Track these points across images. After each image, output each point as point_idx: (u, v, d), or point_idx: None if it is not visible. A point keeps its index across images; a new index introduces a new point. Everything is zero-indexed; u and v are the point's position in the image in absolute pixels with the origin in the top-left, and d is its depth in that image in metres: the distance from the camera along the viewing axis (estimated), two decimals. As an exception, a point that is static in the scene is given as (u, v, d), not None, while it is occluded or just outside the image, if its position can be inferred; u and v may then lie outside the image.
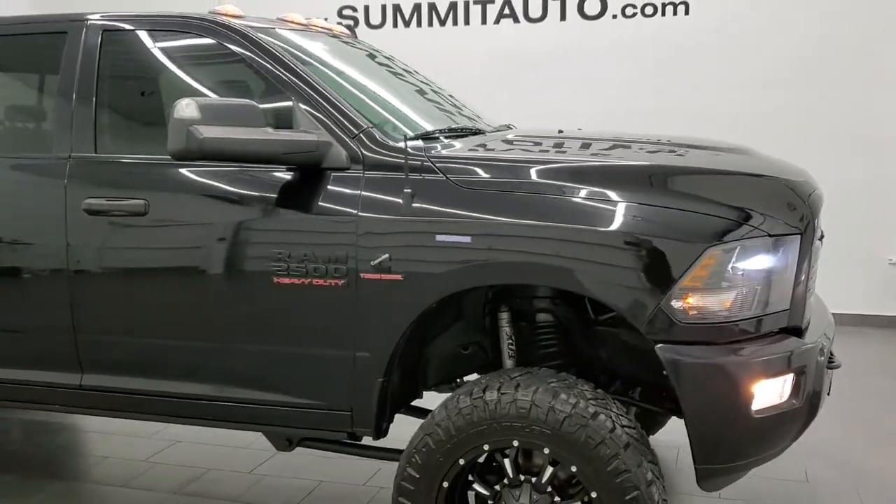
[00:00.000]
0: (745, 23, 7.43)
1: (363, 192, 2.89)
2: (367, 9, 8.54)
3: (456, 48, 8.10)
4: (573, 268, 2.68)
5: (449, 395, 2.92)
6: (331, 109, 3.00)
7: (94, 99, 3.25)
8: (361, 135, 2.97)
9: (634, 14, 7.80)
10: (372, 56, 3.98)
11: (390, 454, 3.39)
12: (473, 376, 3.33)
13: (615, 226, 2.64)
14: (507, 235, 2.73)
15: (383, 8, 8.48)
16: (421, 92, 3.86)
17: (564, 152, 3.24)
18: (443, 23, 8.32)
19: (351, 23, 8.54)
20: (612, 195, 2.69)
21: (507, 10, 8.14)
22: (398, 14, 8.44)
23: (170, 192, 3.12)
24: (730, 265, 2.64)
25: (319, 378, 3.03)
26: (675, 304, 2.62)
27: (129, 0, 6.97)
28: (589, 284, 2.68)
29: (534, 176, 2.80)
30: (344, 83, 3.28)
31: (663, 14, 7.73)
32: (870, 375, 5.61)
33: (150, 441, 4.78)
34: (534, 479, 2.80)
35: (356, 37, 4.27)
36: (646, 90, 7.57)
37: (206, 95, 3.26)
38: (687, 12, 7.66)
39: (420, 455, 2.81)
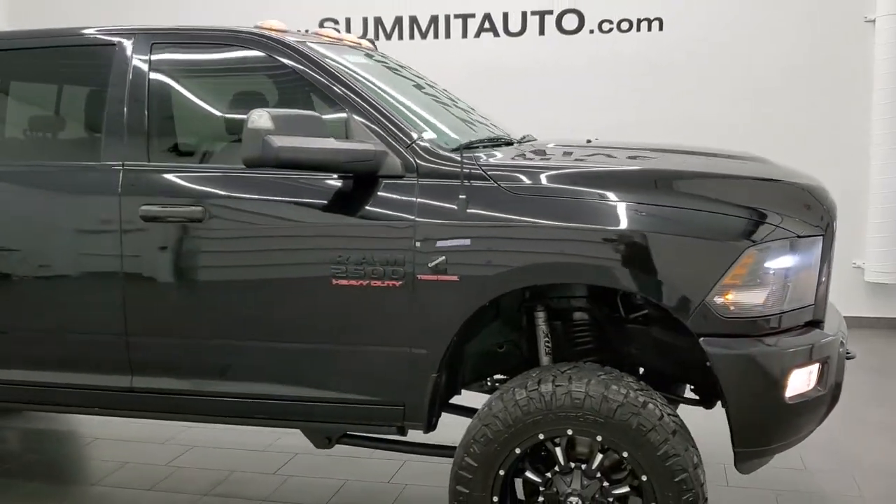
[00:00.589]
0: (715, 38, 7.80)
1: (419, 199, 3.06)
2: (348, 21, 8.69)
3: (437, 61, 8.23)
4: (623, 268, 2.89)
5: (498, 390, 3.08)
6: (384, 121, 3.17)
7: (145, 110, 3.36)
8: (414, 145, 3.14)
9: (611, 29, 8.11)
10: (399, 68, 4.15)
11: (426, 449, 3.57)
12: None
13: (664, 228, 2.86)
14: (559, 239, 2.93)
15: (365, 21, 8.65)
16: (448, 103, 4.04)
17: (606, 160, 3.46)
18: (424, 36, 8.52)
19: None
20: (659, 200, 2.91)
21: (487, 25, 8.38)
22: (380, 27, 8.62)
23: (228, 200, 3.23)
24: (764, 264, 2.88)
25: (374, 375, 3.18)
26: (717, 300, 2.85)
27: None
28: (638, 283, 2.90)
29: (583, 183, 3.01)
30: (389, 96, 3.44)
31: (638, 29, 8.05)
32: (848, 374, 5.92)
33: (166, 447, 4.85)
34: (583, 466, 2.98)
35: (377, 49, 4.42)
36: (623, 102, 7.86)
37: (255, 106, 3.37)
38: (661, 28, 8.00)
39: (478, 445, 2.98)
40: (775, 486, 4.17)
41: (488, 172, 3.07)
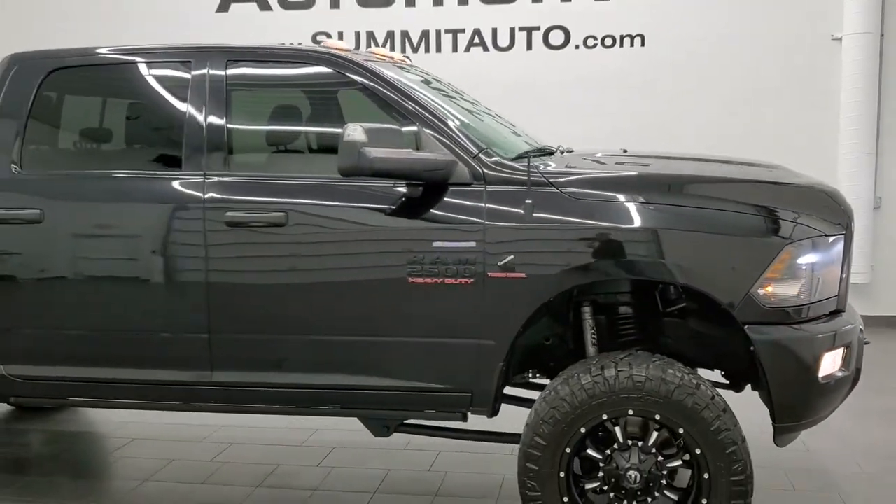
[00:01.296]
0: (693, 55, 8.27)
1: (487, 204, 3.38)
2: (341, 35, 8.95)
3: (428, 74, 8.62)
4: (678, 264, 3.24)
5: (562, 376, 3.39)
6: (452, 134, 3.48)
7: (224, 123, 3.61)
8: (480, 155, 3.46)
9: (595, 45, 8.54)
10: (435, 81, 4.44)
11: (479, 436, 3.89)
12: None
13: (715, 229, 3.22)
14: (619, 239, 3.28)
15: (357, 34, 8.94)
16: (490, 115, 4.36)
17: (653, 167, 3.81)
18: (415, 50, 8.83)
19: (325, 49, 8.93)
20: (709, 203, 3.27)
21: (476, 40, 8.73)
22: (372, 41, 8.91)
23: (308, 206, 3.50)
24: (798, 260, 3.26)
25: (446, 364, 3.48)
26: (760, 291, 3.22)
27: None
28: (692, 278, 3.25)
29: (639, 188, 3.36)
30: (450, 109, 3.75)
31: (621, 45, 8.50)
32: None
33: (205, 445, 5.06)
34: (639, 443, 3.32)
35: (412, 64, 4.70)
36: (608, 114, 8.27)
37: (327, 118, 3.67)
38: (643, 44, 8.45)
39: (547, 425, 3.30)
40: (784, 466, 4.55)
41: (550, 179, 3.40)
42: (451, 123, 3.53)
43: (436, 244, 3.39)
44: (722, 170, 3.80)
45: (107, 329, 3.69)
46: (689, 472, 3.34)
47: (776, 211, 3.29)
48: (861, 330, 3.53)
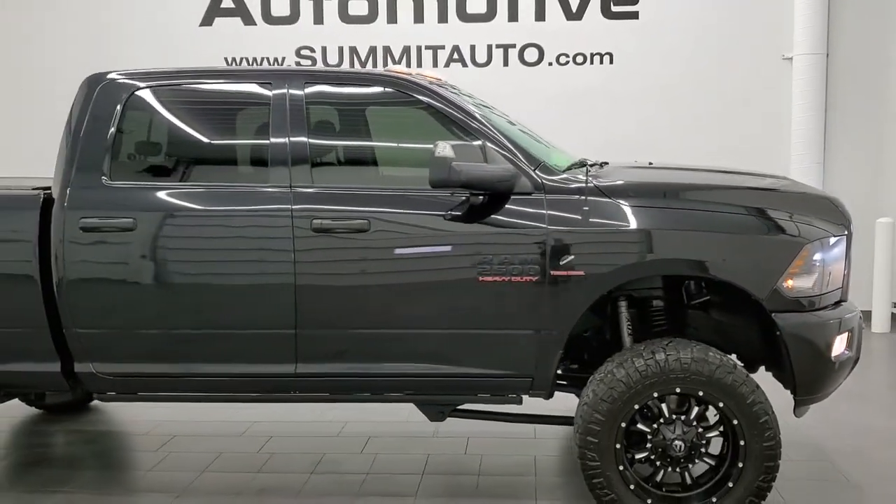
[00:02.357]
0: (657, 72, 8.95)
1: (548, 211, 3.86)
2: (324, 49, 9.35)
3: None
4: (717, 262, 3.79)
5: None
6: (514, 149, 3.96)
7: (306, 142, 4.01)
8: (537, 169, 3.95)
9: (567, 62, 9.13)
10: (470, 96, 4.87)
11: (531, 419, 4.40)
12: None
13: (749, 230, 3.78)
14: (665, 241, 3.81)
15: (340, 49, 9.34)
16: (527, 130, 4.83)
17: (700, 177, 4.35)
18: (397, 64, 9.25)
19: (309, 62, 9.31)
20: (743, 209, 3.83)
21: (455, 56, 9.23)
22: (354, 55, 9.31)
23: (388, 213, 3.92)
24: (813, 257, 3.85)
25: (511, 353, 3.94)
26: (784, 284, 3.79)
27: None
28: (729, 273, 3.80)
29: (680, 195, 3.90)
30: (508, 126, 4.22)
31: (591, 63, 9.11)
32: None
33: (247, 438, 5.40)
34: (682, 417, 3.85)
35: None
36: (577, 127, 8.79)
37: (396, 134, 4.11)
38: (611, 62, 9.08)
39: (606, 404, 3.79)
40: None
41: (602, 189, 3.91)
42: (513, 140, 4.00)
43: (503, 248, 3.84)
44: (749, 181, 4.37)
45: (197, 328, 4.03)
46: (720, 440, 3.87)
47: (796, 217, 3.87)
48: (860, 317, 4.13)
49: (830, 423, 5.44)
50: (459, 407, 4.34)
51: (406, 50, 9.26)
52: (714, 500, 3.83)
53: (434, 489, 4.55)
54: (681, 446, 3.83)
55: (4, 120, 9.46)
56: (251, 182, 4.07)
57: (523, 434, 5.36)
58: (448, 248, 3.91)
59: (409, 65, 9.24)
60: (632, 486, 3.84)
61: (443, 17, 9.19)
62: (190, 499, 4.45)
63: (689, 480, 3.92)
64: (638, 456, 3.89)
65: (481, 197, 3.89)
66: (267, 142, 4.03)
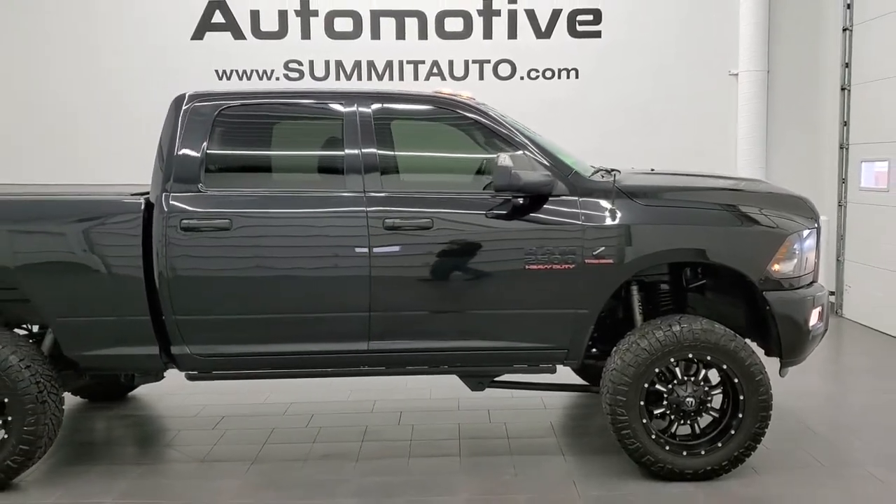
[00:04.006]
0: (617, 85, 9.89)
1: (582, 210, 4.67)
2: (311, 63, 9.98)
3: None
4: (721, 251, 4.65)
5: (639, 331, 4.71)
6: (551, 159, 4.75)
7: (376, 152, 4.71)
8: (571, 175, 4.75)
9: (537, 77, 9.99)
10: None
11: (557, 388, 5.20)
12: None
13: (747, 225, 4.65)
14: (679, 234, 4.65)
15: (326, 63, 9.99)
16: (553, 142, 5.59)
17: (701, 181, 5.20)
18: (380, 77, 9.98)
19: (297, 75, 9.94)
20: (741, 208, 4.70)
21: (435, 70, 9.98)
22: (340, 69, 9.98)
23: (447, 213, 4.66)
24: (793, 246, 4.75)
25: (551, 328, 4.72)
26: (772, 268, 4.68)
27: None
28: (730, 260, 4.66)
29: (690, 196, 4.75)
30: (541, 139, 4.99)
31: (559, 77, 9.99)
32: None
33: (291, 416, 6.04)
34: (692, 378, 4.70)
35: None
36: (546, 134, 9.60)
37: (449, 146, 4.86)
38: (577, 76, 9.97)
39: (632, 368, 4.60)
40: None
41: (624, 191, 4.73)
42: (549, 151, 4.79)
43: (547, 242, 4.62)
44: (740, 185, 5.26)
45: (282, 313, 4.68)
46: (722, 397, 4.73)
47: (780, 213, 4.77)
48: (828, 295, 5.06)
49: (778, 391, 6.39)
50: (496, 379, 5.09)
51: (389, 64, 9.98)
52: (720, 444, 4.68)
53: (473, 449, 5.29)
54: (691, 402, 4.66)
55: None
56: (329, 188, 4.74)
57: (534, 406, 6.16)
58: (500, 243, 4.66)
59: (391, 79, 9.97)
60: (653, 436, 4.66)
61: (423, 35, 9.93)
62: (263, 465, 5.09)
63: (697, 431, 4.75)
64: (656, 411, 4.71)
65: (521, 199, 4.66)
66: (342, 153, 4.72)
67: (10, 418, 4.55)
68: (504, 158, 4.39)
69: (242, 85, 9.83)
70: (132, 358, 4.71)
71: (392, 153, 4.86)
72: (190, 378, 4.85)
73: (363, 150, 4.70)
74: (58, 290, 4.55)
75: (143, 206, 4.62)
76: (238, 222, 4.60)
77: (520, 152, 4.72)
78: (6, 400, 4.52)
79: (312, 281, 4.66)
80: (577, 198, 4.70)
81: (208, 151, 4.70)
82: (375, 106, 4.81)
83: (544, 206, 4.69)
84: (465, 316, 4.73)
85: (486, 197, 4.69)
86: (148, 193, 4.72)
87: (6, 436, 4.56)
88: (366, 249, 4.61)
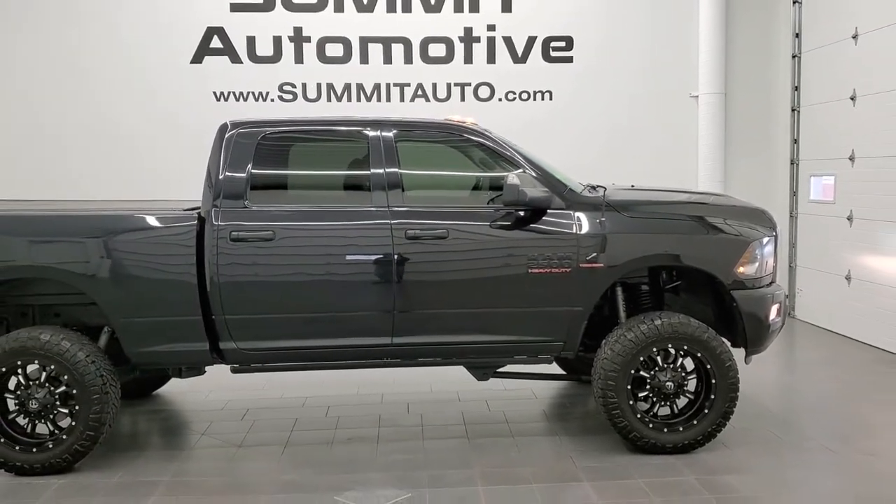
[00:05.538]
0: (587, 107, 10.73)
1: (577, 222, 5.43)
2: (304, 86, 10.66)
3: (384, 120, 10.49)
4: (695, 255, 5.44)
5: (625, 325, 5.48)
6: (548, 178, 5.51)
7: (398, 172, 5.43)
8: (566, 191, 5.52)
9: (514, 98, 10.78)
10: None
11: (549, 378, 5.97)
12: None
13: (716, 233, 5.46)
14: (659, 241, 5.44)
15: (318, 85, 10.67)
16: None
17: (677, 196, 6.00)
18: (369, 99, 10.69)
19: (290, 97, 10.61)
20: (710, 219, 5.51)
21: (420, 92, 10.72)
22: (331, 91, 10.67)
23: (461, 225, 5.38)
24: (755, 251, 5.57)
25: (550, 324, 5.45)
26: (737, 270, 5.49)
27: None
28: (701, 263, 5.45)
29: (668, 209, 5.55)
30: (539, 159, 5.74)
31: (535, 99, 10.80)
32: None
33: (309, 408, 6.68)
34: (670, 365, 5.48)
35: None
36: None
37: (465, 167, 5.60)
38: (551, 98, 10.80)
39: (620, 357, 5.36)
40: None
41: (612, 204, 5.51)
42: (547, 170, 5.56)
43: (547, 249, 5.37)
44: (709, 199, 6.08)
45: (318, 312, 5.35)
46: (695, 381, 5.52)
47: (744, 223, 5.59)
48: (786, 294, 5.89)
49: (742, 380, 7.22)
50: (499, 369, 5.83)
51: (377, 87, 10.70)
52: (695, 422, 5.46)
53: (480, 432, 6.01)
54: (671, 386, 5.44)
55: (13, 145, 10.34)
56: (358, 203, 5.44)
57: (526, 396, 6.91)
58: (506, 250, 5.40)
59: (378, 100, 10.69)
60: (638, 416, 5.42)
61: (408, 59, 10.67)
62: (295, 447, 5.75)
63: (676, 410, 5.53)
64: (641, 394, 5.48)
65: (522, 212, 5.41)
66: (368, 172, 5.43)
67: (77, 407, 5.14)
68: (512, 177, 5.14)
69: (239, 106, 10.45)
70: (185, 353, 5.35)
71: (411, 172, 5.56)
72: (234, 371, 5.50)
73: (387, 170, 5.42)
74: (122, 293, 5.19)
75: (196, 221, 5.26)
76: (280, 234, 5.27)
77: (521, 171, 5.46)
78: (74, 391, 5.12)
79: (344, 284, 5.34)
80: (572, 211, 5.46)
81: (252, 171, 5.37)
82: (396, 131, 5.53)
83: (544, 217, 5.43)
84: (476, 313, 5.45)
85: (492, 210, 5.43)
86: (198, 209, 5.36)
87: (74, 423, 5.16)
88: (391, 257, 5.31)
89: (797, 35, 10.33)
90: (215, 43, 10.53)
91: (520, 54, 10.76)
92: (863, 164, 8.84)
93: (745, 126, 10.90)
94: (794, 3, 10.34)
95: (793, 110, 10.41)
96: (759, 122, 10.93)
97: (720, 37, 10.57)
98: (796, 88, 10.38)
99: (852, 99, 9.02)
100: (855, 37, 8.98)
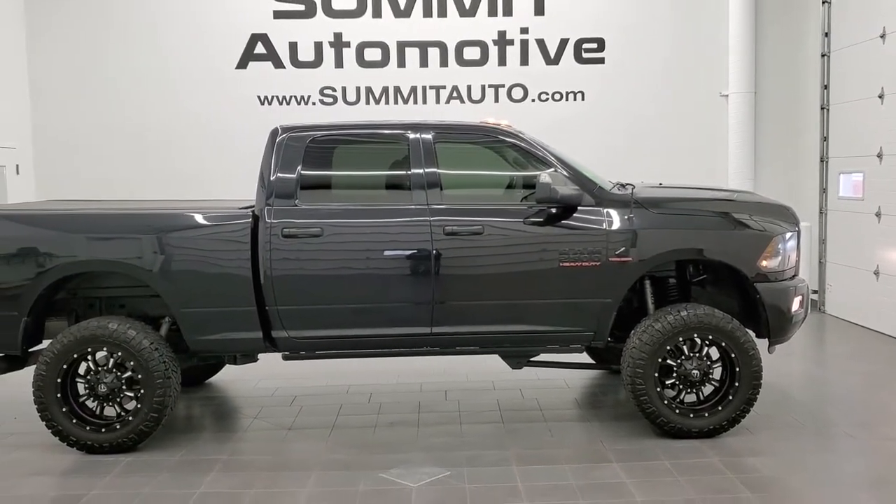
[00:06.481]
0: (619, 107, 11.02)
1: (606, 218, 5.74)
2: (344, 89, 11.06)
3: (419, 121, 10.85)
4: (720, 249, 5.73)
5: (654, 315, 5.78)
6: (579, 176, 5.83)
7: (437, 172, 5.78)
8: (596, 189, 5.83)
9: (547, 99, 11.09)
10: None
11: (581, 367, 6.27)
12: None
13: (741, 228, 5.74)
14: (686, 237, 5.73)
15: (357, 89, 11.06)
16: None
17: (703, 193, 6.28)
18: (406, 101, 11.06)
19: (331, 100, 11.02)
20: (736, 214, 5.79)
21: (455, 94, 11.07)
22: (370, 94, 11.06)
23: (495, 221, 5.71)
24: (778, 245, 5.84)
25: (581, 315, 5.77)
26: (761, 263, 5.76)
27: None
28: (727, 257, 5.73)
29: (694, 205, 5.85)
30: (571, 158, 6.06)
31: (567, 99, 11.10)
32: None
33: (353, 395, 7.06)
34: (696, 354, 5.77)
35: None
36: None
37: (497, 167, 5.94)
38: (583, 98, 11.09)
39: (648, 346, 5.66)
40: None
41: (639, 201, 5.81)
42: (578, 169, 5.87)
43: (578, 244, 5.69)
44: (734, 196, 6.35)
45: (363, 303, 5.72)
46: (721, 370, 5.80)
47: (767, 219, 5.86)
48: (808, 287, 6.16)
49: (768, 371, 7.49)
50: (532, 358, 6.15)
51: (413, 90, 11.07)
52: (720, 408, 5.75)
53: (513, 418, 6.34)
54: (696, 374, 5.73)
55: (67, 148, 10.88)
56: (399, 201, 5.80)
57: (558, 385, 7.23)
58: (539, 245, 5.72)
59: (415, 102, 11.06)
60: (665, 402, 5.72)
61: (444, 63, 11.03)
62: (341, 430, 6.13)
63: (701, 397, 5.82)
64: (667, 382, 5.78)
65: (554, 209, 5.72)
66: (409, 172, 5.79)
67: (142, 391, 5.56)
68: (544, 176, 5.47)
69: (282, 109, 10.89)
70: (240, 341, 5.75)
71: (449, 172, 5.91)
72: (285, 358, 5.90)
73: (426, 170, 5.77)
74: (183, 286, 5.60)
75: (250, 218, 5.66)
76: (328, 230, 5.65)
77: (553, 170, 5.78)
78: (139, 376, 5.54)
79: (386, 277, 5.71)
80: (601, 208, 5.77)
81: (302, 172, 5.75)
82: (435, 134, 5.88)
83: (574, 214, 5.75)
84: (510, 305, 5.78)
85: (525, 207, 5.76)
86: (252, 207, 5.75)
87: (139, 405, 5.58)
88: (430, 252, 5.66)
89: (826, 34, 10.51)
90: (259, 49, 10.97)
91: (552, 56, 11.06)
92: (891, 161, 9.02)
93: (775, 124, 11.10)
94: (823, 2, 10.52)
95: (822, 108, 10.60)
96: (788, 120, 11.13)
97: (750, 36, 10.79)
98: (825, 87, 10.55)
99: (880, 97, 9.20)
100: (883, 36, 9.17)
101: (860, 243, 9.68)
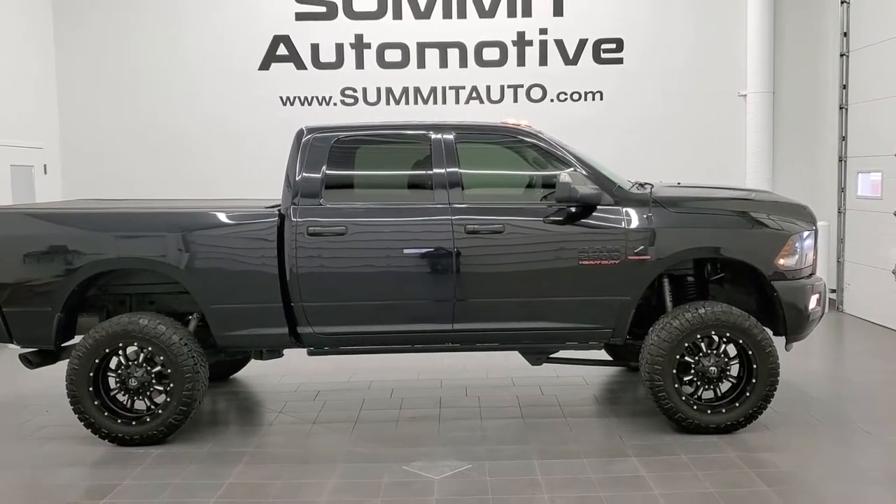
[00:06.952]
0: (639, 106, 11.08)
1: (625, 217, 5.84)
2: (364, 90, 11.20)
3: (438, 121, 10.97)
4: (738, 248, 5.81)
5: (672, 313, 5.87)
6: (598, 176, 5.93)
7: (458, 171, 5.90)
8: (615, 188, 5.93)
9: (566, 99, 11.19)
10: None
11: (599, 363, 6.36)
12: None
13: (758, 227, 5.82)
14: (704, 235, 5.82)
15: (378, 90, 11.20)
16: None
17: (720, 192, 6.37)
18: (425, 101, 11.19)
19: (352, 101, 11.16)
20: (754, 214, 5.87)
21: (474, 94, 11.19)
22: (390, 94, 11.19)
23: (516, 220, 5.83)
24: (795, 244, 5.91)
25: (600, 312, 5.87)
26: (778, 262, 5.84)
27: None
28: (745, 255, 5.81)
29: (712, 204, 5.93)
30: (590, 158, 6.16)
31: (585, 99, 11.19)
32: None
33: (374, 390, 7.20)
34: (714, 351, 5.85)
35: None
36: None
37: (518, 166, 6.05)
38: (602, 98, 11.17)
39: (666, 343, 5.75)
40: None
41: (657, 201, 5.91)
42: (597, 169, 5.98)
43: (597, 243, 5.79)
44: (752, 195, 6.43)
45: (386, 300, 5.84)
46: (737, 366, 5.89)
47: (785, 218, 5.94)
48: (825, 285, 6.23)
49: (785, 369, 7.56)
50: (552, 355, 6.25)
51: (433, 90, 11.19)
52: (737, 404, 5.83)
53: (533, 414, 6.45)
54: (714, 371, 5.82)
55: (93, 149, 11.09)
56: (421, 200, 5.92)
57: (577, 383, 7.33)
58: (558, 244, 5.83)
59: (435, 102, 11.18)
60: (683, 398, 5.82)
61: (463, 63, 11.15)
62: (364, 424, 6.26)
63: (719, 393, 5.91)
64: (685, 378, 5.87)
65: (574, 208, 5.82)
66: (431, 172, 5.91)
67: (171, 385, 5.71)
68: (564, 176, 5.58)
69: (304, 110, 11.04)
70: (267, 337, 5.90)
71: (470, 172, 6.02)
72: (310, 353, 6.04)
73: (448, 170, 5.89)
74: (213, 282, 5.75)
75: (276, 217, 5.80)
76: (352, 229, 5.78)
77: (572, 170, 5.89)
78: (169, 370, 5.70)
79: (408, 274, 5.83)
80: (620, 207, 5.87)
81: (326, 172, 5.89)
82: (456, 134, 6.00)
83: (594, 213, 5.85)
84: (530, 302, 5.89)
85: (545, 206, 5.87)
86: (278, 206, 5.89)
87: (168, 399, 5.74)
88: (451, 250, 5.78)
89: (845, 34, 10.54)
90: (281, 51, 11.13)
91: (571, 56, 11.15)
92: (908, 161, 9.06)
93: (794, 124, 11.14)
94: (842, 2, 10.55)
95: (841, 108, 10.63)
96: (807, 119, 11.16)
97: (768, 36, 10.84)
98: (844, 86, 10.59)
99: (898, 97, 9.25)
100: (901, 36, 9.20)
101: (878, 242, 9.71)
